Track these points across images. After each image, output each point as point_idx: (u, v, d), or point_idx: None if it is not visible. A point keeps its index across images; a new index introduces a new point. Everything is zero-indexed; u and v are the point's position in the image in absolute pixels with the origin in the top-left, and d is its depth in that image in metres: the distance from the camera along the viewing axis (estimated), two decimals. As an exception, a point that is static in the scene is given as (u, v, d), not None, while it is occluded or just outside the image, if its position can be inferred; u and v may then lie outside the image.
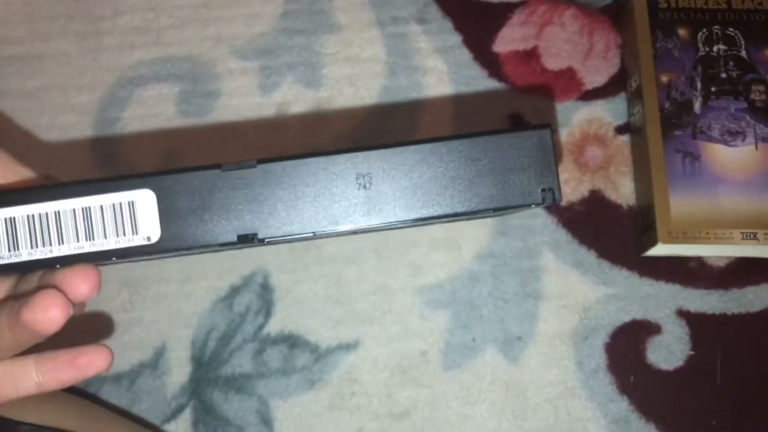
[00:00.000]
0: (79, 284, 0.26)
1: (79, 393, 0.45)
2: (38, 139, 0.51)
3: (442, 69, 0.52)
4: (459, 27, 0.52)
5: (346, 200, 0.27)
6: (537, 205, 0.28)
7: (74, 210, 0.26)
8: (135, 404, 0.45)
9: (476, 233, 0.48)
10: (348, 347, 0.46)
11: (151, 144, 0.50)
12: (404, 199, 0.27)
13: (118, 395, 0.46)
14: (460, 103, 0.51)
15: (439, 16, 0.53)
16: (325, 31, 0.53)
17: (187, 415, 0.45)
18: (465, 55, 0.52)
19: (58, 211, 0.26)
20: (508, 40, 0.52)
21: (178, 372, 0.46)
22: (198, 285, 0.47)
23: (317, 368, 0.46)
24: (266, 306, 0.47)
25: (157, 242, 0.27)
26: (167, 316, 0.47)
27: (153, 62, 0.52)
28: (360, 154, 0.27)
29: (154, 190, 0.27)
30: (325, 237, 0.27)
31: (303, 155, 0.27)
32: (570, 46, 0.52)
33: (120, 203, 0.26)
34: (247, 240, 0.27)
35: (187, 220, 0.27)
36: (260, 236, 0.27)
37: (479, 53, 0.52)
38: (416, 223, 0.28)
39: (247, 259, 0.48)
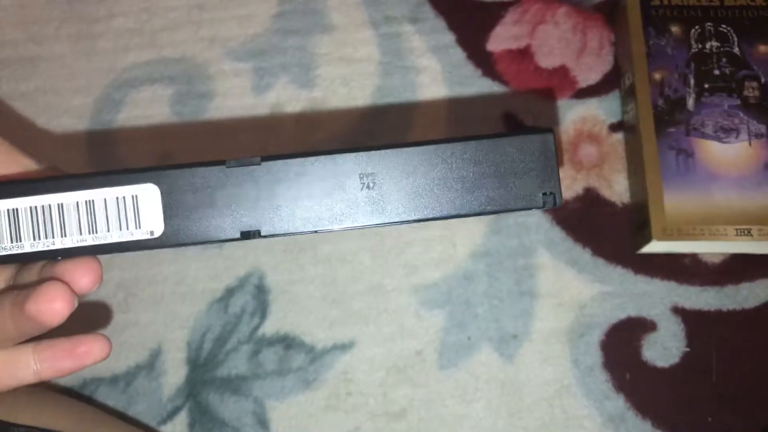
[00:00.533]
0: (81, 276, 0.26)
1: (75, 395, 0.45)
2: (33, 141, 0.51)
3: (435, 68, 0.52)
4: (452, 26, 0.53)
5: (349, 199, 0.27)
6: (538, 208, 0.28)
7: (77, 203, 0.26)
8: (131, 406, 0.45)
9: (471, 232, 0.48)
10: (343, 347, 0.46)
11: (146, 145, 0.50)
12: (407, 200, 0.28)
13: (114, 397, 0.46)
14: (453, 102, 0.51)
15: (432, 15, 0.53)
16: (319, 32, 0.53)
17: (183, 417, 0.45)
18: (458, 54, 0.52)
19: (62, 204, 0.26)
20: (502, 38, 0.52)
21: (174, 373, 0.46)
22: (193, 286, 0.47)
23: (313, 369, 0.46)
24: (261, 307, 0.47)
25: (160, 237, 0.27)
26: (163, 317, 0.47)
27: (147, 64, 0.52)
28: (364, 154, 0.27)
29: (157, 185, 0.27)
30: (327, 233, 0.27)
31: (307, 153, 0.27)
32: (563, 44, 0.52)
33: (123, 197, 0.27)
34: (249, 236, 0.27)
35: (190, 216, 0.27)
36: (263, 233, 0.27)
37: (473, 52, 0.52)
38: (417, 222, 0.28)
39: (242, 260, 0.48)
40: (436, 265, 0.48)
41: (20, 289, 0.26)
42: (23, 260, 0.27)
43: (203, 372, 0.46)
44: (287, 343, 0.46)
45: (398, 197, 0.28)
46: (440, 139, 0.28)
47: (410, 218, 0.28)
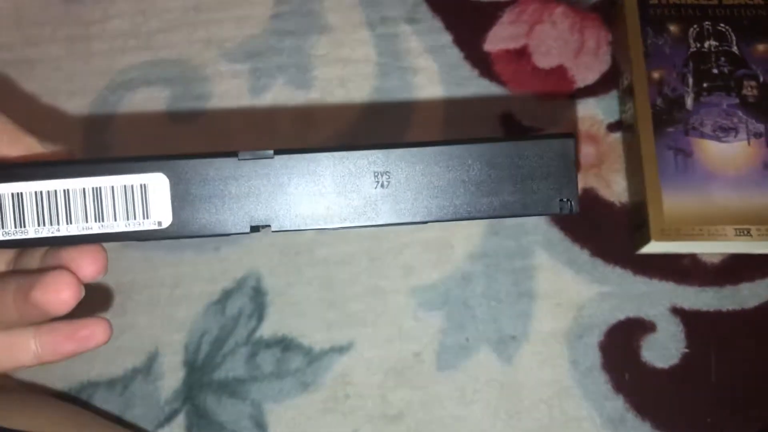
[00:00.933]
0: (86, 265, 0.25)
1: (72, 399, 0.45)
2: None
3: (432, 69, 0.51)
4: (449, 26, 0.52)
5: (362, 197, 0.27)
6: (554, 214, 0.28)
7: (84, 190, 0.26)
8: (128, 410, 0.45)
9: (469, 233, 0.48)
10: (341, 349, 0.46)
11: (142, 147, 0.50)
12: (421, 200, 0.27)
13: (111, 401, 0.45)
14: (451, 103, 0.51)
15: (429, 15, 0.53)
16: (316, 33, 0.53)
17: (180, 420, 0.45)
18: (455, 54, 0.52)
19: (68, 190, 0.26)
20: (499, 39, 0.52)
21: (171, 377, 0.46)
22: (190, 289, 0.47)
23: (311, 371, 0.46)
24: (259, 309, 0.47)
25: (168, 228, 0.26)
26: (160, 320, 0.47)
27: (143, 66, 0.52)
28: (380, 152, 0.27)
29: (167, 175, 0.26)
30: (338, 231, 0.27)
31: (321, 149, 0.27)
32: (561, 44, 0.51)
33: (132, 186, 0.26)
34: (259, 231, 0.27)
35: (199, 207, 0.26)
36: (273, 228, 0.27)
37: (470, 53, 0.52)
38: (430, 223, 0.28)
39: (238, 263, 0.48)
40: (434, 266, 0.48)
41: (24, 274, 0.25)
42: (26, 245, 0.26)
43: (201, 375, 0.46)
44: (285, 345, 0.46)
45: (412, 197, 0.27)
46: (457, 140, 0.27)
47: (424, 219, 0.27)
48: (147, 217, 0.26)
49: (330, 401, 0.45)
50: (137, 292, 0.47)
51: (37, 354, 0.27)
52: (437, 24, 0.52)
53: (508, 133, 0.50)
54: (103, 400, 0.45)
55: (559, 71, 0.51)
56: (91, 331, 0.27)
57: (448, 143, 0.27)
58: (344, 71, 0.52)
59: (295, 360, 0.46)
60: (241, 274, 0.47)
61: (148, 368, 0.46)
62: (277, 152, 0.27)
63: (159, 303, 0.47)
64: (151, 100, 0.51)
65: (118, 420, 0.45)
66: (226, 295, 0.47)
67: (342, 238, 0.48)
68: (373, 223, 0.27)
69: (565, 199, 0.27)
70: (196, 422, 0.45)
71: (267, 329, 0.47)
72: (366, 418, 0.45)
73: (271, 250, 0.48)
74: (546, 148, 0.27)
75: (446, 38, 0.52)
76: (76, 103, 0.51)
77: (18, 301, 0.25)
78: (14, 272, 0.28)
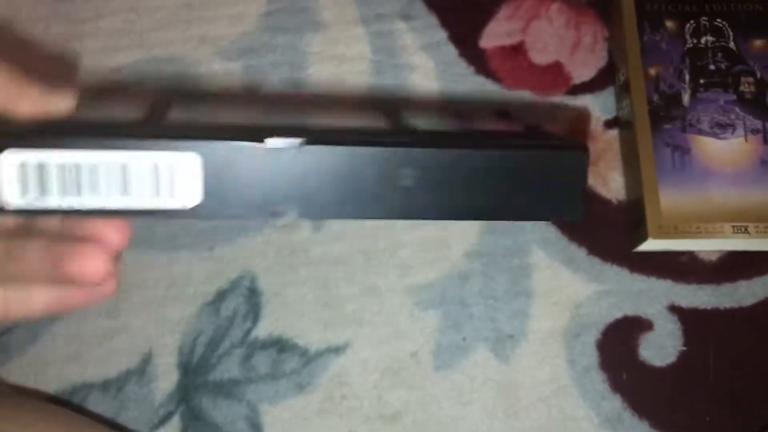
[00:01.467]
0: (111, 235, 0.26)
1: (65, 402, 0.45)
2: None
3: (428, 66, 0.51)
4: (444, 23, 0.52)
5: (384, 192, 0.28)
6: (564, 219, 0.29)
7: (113, 164, 0.26)
8: (122, 412, 0.45)
9: (465, 232, 0.48)
10: (337, 350, 0.46)
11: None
12: (440, 199, 0.28)
13: (105, 404, 0.45)
14: (447, 99, 0.50)
15: (424, 12, 0.52)
16: (310, 30, 0.52)
17: (175, 423, 0.45)
18: (451, 51, 0.51)
19: (96, 164, 0.25)
20: (495, 35, 0.51)
21: (166, 379, 0.45)
22: (184, 290, 0.47)
23: (306, 372, 0.45)
24: (254, 310, 0.46)
25: (193, 209, 0.26)
26: (154, 322, 0.46)
27: (136, 64, 0.52)
28: (403, 150, 0.27)
29: (199, 155, 0.26)
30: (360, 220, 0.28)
31: (349, 142, 0.27)
32: (557, 40, 0.51)
33: (161, 164, 0.26)
34: (281, 216, 0.27)
35: (225, 190, 0.27)
36: (296, 215, 0.27)
37: (465, 49, 0.51)
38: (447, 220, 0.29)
39: (233, 263, 0.47)
40: (430, 265, 0.47)
41: (49, 238, 0.26)
42: (49, 215, 0.26)
43: (195, 377, 0.45)
44: (280, 346, 0.46)
45: (431, 195, 0.28)
46: (483, 143, 0.28)
47: (440, 217, 0.28)
48: (172, 197, 0.26)
49: (326, 402, 0.45)
50: (131, 293, 0.47)
51: (49, 305, 0.28)
52: (432, 21, 0.52)
53: (503, 129, 0.50)
54: (96, 403, 0.45)
55: (556, 68, 0.51)
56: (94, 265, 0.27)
57: (475, 147, 0.28)
58: (339, 68, 0.51)
59: (291, 361, 0.46)
60: (236, 275, 0.47)
61: (142, 370, 0.46)
62: (306, 142, 0.27)
63: (153, 304, 0.47)
64: (144, 98, 0.51)
65: (112, 423, 0.44)
66: (221, 296, 0.47)
67: (337, 238, 0.48)
68: (392, 217, 0.28)
69: (573, 206, 0.28)
70: (191, 424, 0.45)
71: (262, 330, 0.46)
72: (362, 419, 0.45)
73: (267, 250, 0.47)
74: (561, 158, 0.28)
75: (441, 35, 0.52)
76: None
77: (46, 266, 0.25)
78: (33, 231, 0.27)
